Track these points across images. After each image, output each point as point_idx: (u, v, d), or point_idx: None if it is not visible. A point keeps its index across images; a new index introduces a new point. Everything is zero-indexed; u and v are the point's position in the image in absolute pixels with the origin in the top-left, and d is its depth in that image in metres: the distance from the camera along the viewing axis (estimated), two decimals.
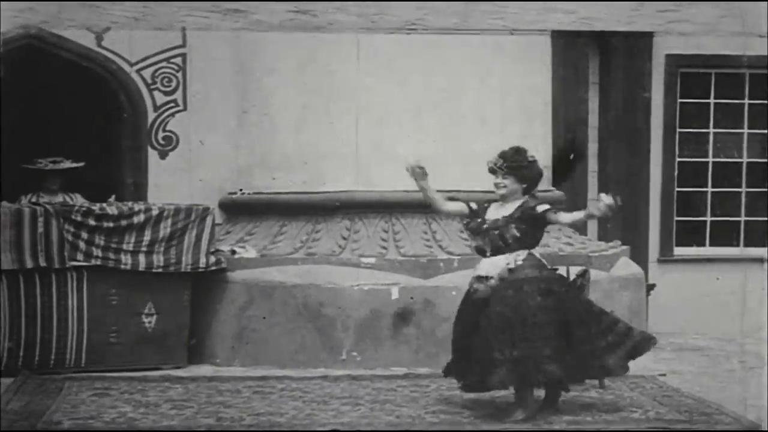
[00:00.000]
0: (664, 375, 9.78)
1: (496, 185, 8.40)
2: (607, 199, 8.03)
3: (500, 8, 10.01)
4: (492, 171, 8.40)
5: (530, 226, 8.31)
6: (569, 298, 8.31)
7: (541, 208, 8.31)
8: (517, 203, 8.34)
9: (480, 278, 8.29)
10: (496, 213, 8.39)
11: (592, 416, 8.26)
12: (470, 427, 7.98)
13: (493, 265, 8.26)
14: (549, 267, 8.37)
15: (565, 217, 8.44)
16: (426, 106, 10.80)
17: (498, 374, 8.10)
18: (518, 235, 8.28)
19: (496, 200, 8.46)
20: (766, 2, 10.01)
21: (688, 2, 10.08)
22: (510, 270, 8.24)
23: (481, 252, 8.38)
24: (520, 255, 8.29)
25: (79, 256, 10.07)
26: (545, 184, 11.51)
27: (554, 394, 8.41)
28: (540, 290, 8.21)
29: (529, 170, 8.39)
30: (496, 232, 8.30)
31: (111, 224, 10.18)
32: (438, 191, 9.15)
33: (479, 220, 8.43)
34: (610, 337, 8.36)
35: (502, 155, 8.40)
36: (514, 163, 8.37)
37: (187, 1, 9.94)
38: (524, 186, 8.38)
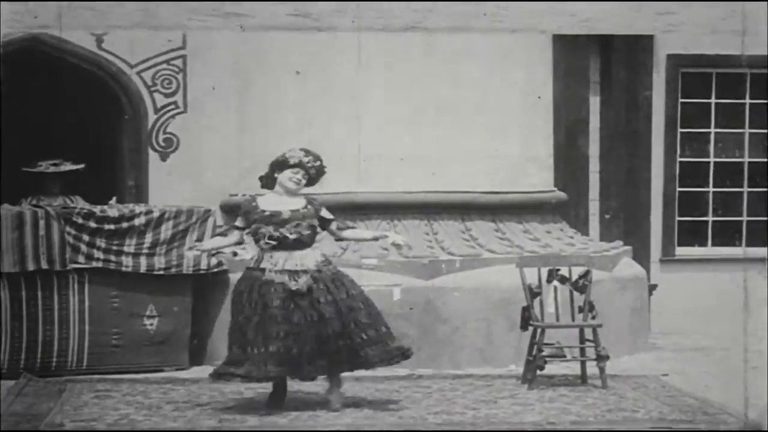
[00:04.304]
0: (667, 375, 9.77)
1: (298, 181, 8.56)
2: (398, 239, 8.53)
3: (501, 9, 10.01)
4: (299, 165, 8.55)
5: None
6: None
7: (326, 214, 8.67)
8: (302, 199, 8.62)
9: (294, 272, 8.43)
10: (280, 205, 8.55)
11: (595, 416, 8.25)
12: (471, 428, 7.97)
13: (307, 258, 8.50)
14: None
15: (348, 233, 8.79)
16: (427, 107, 10.78)
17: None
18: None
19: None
20: (766, 2, 10.00)
21: (689, 2, 10.07)
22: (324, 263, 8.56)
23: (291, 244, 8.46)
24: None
25: (81, 259, 10.06)
26: (547, 184, 11.50)
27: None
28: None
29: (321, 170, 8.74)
30: (304, 223, 8.54)
31: (112, 226, 10.17)
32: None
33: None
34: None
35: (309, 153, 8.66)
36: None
37: (188, 1, 9.92)
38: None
